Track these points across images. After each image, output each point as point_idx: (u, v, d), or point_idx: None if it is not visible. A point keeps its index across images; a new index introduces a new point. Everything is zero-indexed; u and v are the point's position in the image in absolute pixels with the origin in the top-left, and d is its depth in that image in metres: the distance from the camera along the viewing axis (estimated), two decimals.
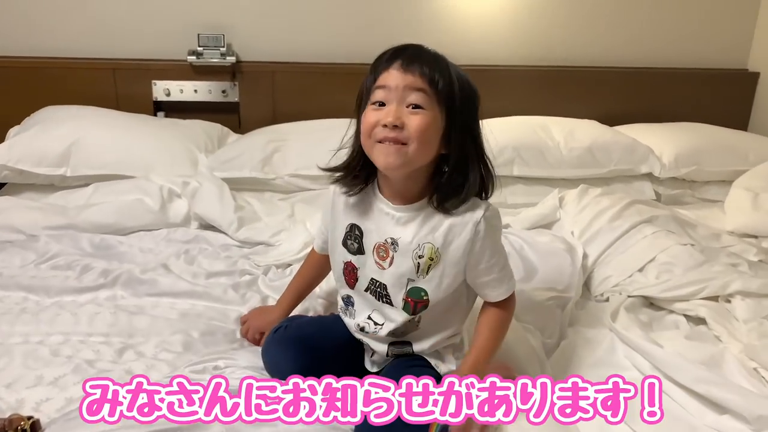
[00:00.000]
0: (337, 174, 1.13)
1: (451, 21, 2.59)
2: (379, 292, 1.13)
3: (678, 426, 1.13)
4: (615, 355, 1.33)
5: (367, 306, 1.17)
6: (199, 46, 2.43)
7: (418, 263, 1.07)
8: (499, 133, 2.22)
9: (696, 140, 2.42)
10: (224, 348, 1.30)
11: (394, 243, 1.08)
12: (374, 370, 1.22)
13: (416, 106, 0.99)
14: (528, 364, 1.29)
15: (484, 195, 1.09)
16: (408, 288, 1.09)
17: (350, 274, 1.16)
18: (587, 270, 1.67)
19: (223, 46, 2.44)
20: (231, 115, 2.54)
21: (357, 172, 1.11)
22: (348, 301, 1.21)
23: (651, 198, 2.26)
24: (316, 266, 1.35)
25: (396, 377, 1.09)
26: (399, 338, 1.16)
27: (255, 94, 2.53)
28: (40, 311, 1.37)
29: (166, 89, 2.44)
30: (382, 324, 1.15)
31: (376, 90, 1.01)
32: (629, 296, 1.55)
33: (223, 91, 2.48)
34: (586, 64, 2.77)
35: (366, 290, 1.14)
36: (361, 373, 1.22)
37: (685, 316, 1.50)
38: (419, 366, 1.15)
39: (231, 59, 2.42)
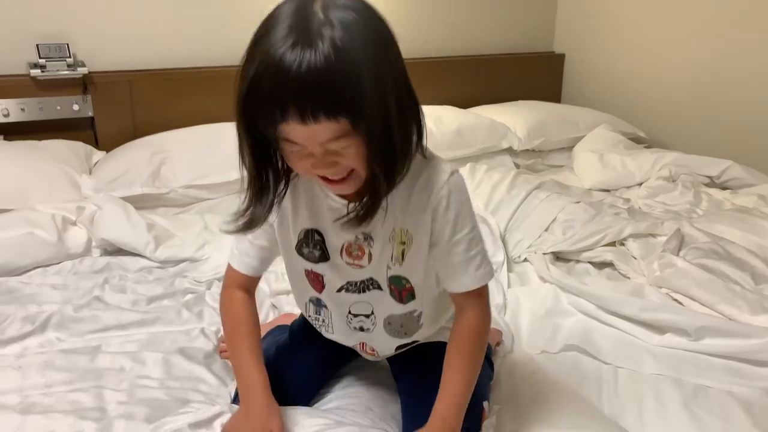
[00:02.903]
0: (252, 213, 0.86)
1: None
2: (363, 286, 0.97)
3: (633, 351, 1.34)
4: (560, 303, 1.51)
5: (343, 303, 1.01)
6: (41, 58, 2.16)
7: (392, 249, 0.93)
8: None
9: (537, 115, 2.76)
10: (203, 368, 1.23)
11: (368, 237, 0.92)
12: (376, 359, 1.11)
13: (341, 147, 0.75)
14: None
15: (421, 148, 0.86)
16: (389, 276, 0.96)
17: (314, 281, 1.00)
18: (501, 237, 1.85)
19: (69, 56, 2.20)
20: (84, 132, 2.31)
21: (277, 191, 0.86)
22: (318, 303, 1.04)
23: (513, 169, 2.53)
24: (248, 306, 1.01)
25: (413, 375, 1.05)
26: (405, 339, 1.04)
27: (111, 107, 2.31)
28: None
29: (4, 109, 2.13)
30: (371, 312, 1.00)
31: (284, 142, 0.76)
32: (544, 253, 1.75)
33: (75, 106, 2.24)
34: (431, 55, 2.98)
35: (339, 291, 0.99)
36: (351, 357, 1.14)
37: (590, 262, 1.74)
38: (427, 351, 1.05)
39: (83, 70, 2.19)
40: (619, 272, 1.67)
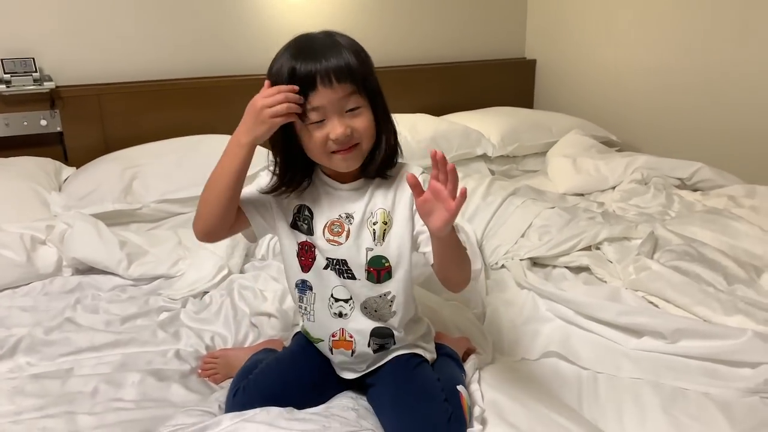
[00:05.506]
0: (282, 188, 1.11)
1: (277, 32, 2.61)
2: (338, 268, 1.12)
3: (611, 356, 1.34)
4: (538, 310, 1.52)
5: (326, 285, 1.14)
6: (6, 73, 2.12)
7: (374, 230, 1.10)
8: None
9: (510, 121, 2.78)
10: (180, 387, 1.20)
11: (348, 216, 1.11)
12: (353, 377, 1.18)
13: (354, 107, 1.03)
14: (472, 336, 1.41)
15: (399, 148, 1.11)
16: (369, 258, 1.10)
17: (307, 254, 1.14)
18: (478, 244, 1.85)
19: (35, 71, 2.16)
20: (53, 147, 2.27)
21: (299, 177, 1.11)
22: (304, 286, 1.16)
23: (488, 176, 2.54)
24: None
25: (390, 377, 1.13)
26: (378, 322, 1.14)
27: (80, 121, 2.28)
28: None
29: None
30: (350, 298, 1.13)
31: (311, 112, 1.01)
32: (521, 259, 1.76)
33: (42, 121, 2.20)
34: (402, 63, 2.99)
35: (325, 268, 1.13)
36: (338, 388, 1.19)
37: (567, 267, 1.75)
38: (406, 361, 1.15)
39: (50, 85, 2.15)
40: (596, 276, 1.68)
